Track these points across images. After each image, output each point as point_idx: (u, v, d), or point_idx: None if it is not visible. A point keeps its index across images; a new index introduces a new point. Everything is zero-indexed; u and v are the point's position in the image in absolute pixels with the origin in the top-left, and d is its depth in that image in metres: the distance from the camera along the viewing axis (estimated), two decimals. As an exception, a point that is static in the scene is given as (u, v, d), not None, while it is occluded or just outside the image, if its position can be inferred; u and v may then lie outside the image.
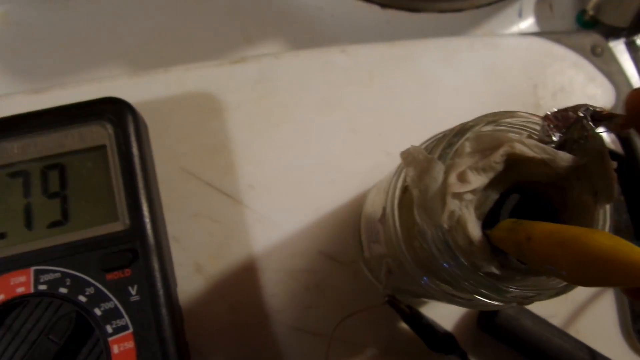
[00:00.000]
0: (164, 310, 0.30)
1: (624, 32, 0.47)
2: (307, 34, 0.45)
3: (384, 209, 0.26)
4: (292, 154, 0.37)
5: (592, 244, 0.16)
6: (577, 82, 0.41)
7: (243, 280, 0.35)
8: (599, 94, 0.41)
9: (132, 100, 0.34)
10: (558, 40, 0.41)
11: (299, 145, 0.38)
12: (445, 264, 0.21)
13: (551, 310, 0.37)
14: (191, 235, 0.35)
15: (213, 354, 0.34)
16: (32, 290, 0.29)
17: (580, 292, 0.37)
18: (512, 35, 0.43)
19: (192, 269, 0.35)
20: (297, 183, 0.37)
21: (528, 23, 0.48)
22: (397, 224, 0.24)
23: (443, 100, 0.39)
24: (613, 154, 0.40)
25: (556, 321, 0.36)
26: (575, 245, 0.17)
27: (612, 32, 0.46)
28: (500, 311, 0.33)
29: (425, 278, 0.24)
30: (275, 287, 0.35)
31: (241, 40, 0.44)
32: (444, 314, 0.35)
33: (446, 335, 0.34)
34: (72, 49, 0.44)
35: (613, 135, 0.41)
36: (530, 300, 0.21)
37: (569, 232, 0.17)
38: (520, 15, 0.47)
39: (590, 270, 0.16)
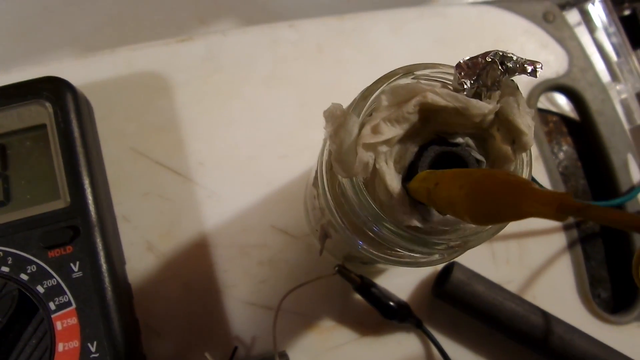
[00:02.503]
0: (106, 286, 0.30)
1: (579, 1, 0.46)
2: (260, 12, 0.45)
3: (316, 172, 0.26)
4: (242, 130, 0.37)
5: (486, 180, 0.16)
6: (529, 49, 0.41)
7: (195, 257, 0.35)
8: (551, 60, 0.41)
9: (79, 82, 0.33)
10: (509, 8, 0.41)
11: (249, 121, 0.37)
12: (369, 222, 0.21)
13: (507, 276, 0.36)
14: (142, 214, 0.35)
15: (166, 331, 0.34)
16: (-27, 270, 0.29)
17: (536, 258, 0.37)
18: (462, 4, 0.43)
19: (144, 248, 0.35)
20: (247, 159, 0.37)
21: (482, -6, 0.47)
22: (327, 185, 0.24)
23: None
24: (569, 120, 0.40)
25: (512, 287, 0.36)
26: (472, 182, 0.16)
27: (567, 2, 0.46)
28: (451, 277, 0.33)
29: (360, 242, 0.24)
30: (227, 263, 0.35)
31: (194, 21, 0.44)
32: (399, 284, 0.35)
33: (399, 304, 0.34)
34: (23, 37, 0.43)
35: (570, 102, 0.41)
36: (453, 251, 0.21)
37: (468, 173, 0.17)
38: (474, -14, 0.47)
39: (486, 205, 0.16)
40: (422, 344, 0.35)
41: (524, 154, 0.21)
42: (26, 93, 0.32)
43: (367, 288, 0.33)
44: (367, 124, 0.20)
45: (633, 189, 0.39)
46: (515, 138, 0.21)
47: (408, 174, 0.21)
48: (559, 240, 0.38)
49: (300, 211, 0.36)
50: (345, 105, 0.22)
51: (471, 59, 0.20)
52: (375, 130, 0.20)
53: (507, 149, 0.21)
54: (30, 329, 0.29)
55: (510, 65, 0.20)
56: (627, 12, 0.45)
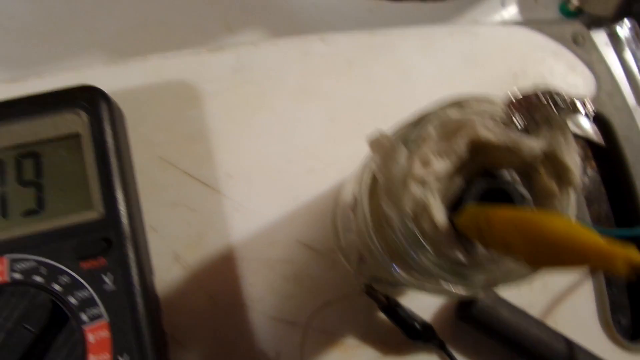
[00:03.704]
0: (139, 300, 0.30)
1: (607, 21, 0.46)
2: (289, 22, 0.45)
3: (355, 197, 0.26)
4: (271, 143, 0.37)
5: (546, 227, 0.16)
6: (558, 71, 0.41)
7: (221, 269, 0.35)
8: (579, 82, 0.41)
9: (110, 89, 0.33)
10: (539, 29, 0.41)
11: (277, 133, 0.37)
12: (410, 251, 0.21)
13: (529, 300, 0.37)
14: (169, 225, 0.35)
15: (191, 343, 0.34)
16: (7, 279, 0.29)
17: (559, 283, 0.37)
18: (493, 24, 0.43)
19: (171, 259, 0.35)
20: (275, 172, 0.37)
21: (511, 12, 0.48)
22: (367, 211, 0.24)
23: (422, 89, 0.39)
24: (594, 145, 0.40)
25: (534, 311, 0.36)
26: (531, 228, 0.17)
27: (595, 22, 0.46)
28: (477, 301, 0.33)
29: (395, 266, 0.24)
30: (253, 276, 0.35)
31: (222, 28, 0.44)
32: (423, 305, 0.35)
33: (424, 326, 0.34)
34: (50, 38, 0.43)
35: (594, 126, 0.41)
36: (495, 286, 0.21)
37: (525, 216, 0.17)
38: (503, 5, 0.47)
39: (545, 252, 0.16)
40: (444, 364, 0.35)
41: (570, 190, 0.21)
42: (62, 101, 0.32)
43: (392, 308, 0.33)
44: (416, 156, 0.21)
45: (657, 215, 0.39)
46: (562, 175, 0.21)
47: (453, 207, 0.22)
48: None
49: (326, 227, 0.36)
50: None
51: (524, 96, 0.20)
52: (426, 164, 0.20)
53: (553, 184, 0.21)
54: (61, 339, 0.29)
55: (561, 104, 0.20)
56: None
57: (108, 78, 0.37)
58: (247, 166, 0.37)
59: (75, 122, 0.32)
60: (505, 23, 0.42)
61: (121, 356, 0.29)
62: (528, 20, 0.42)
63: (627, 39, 0.44)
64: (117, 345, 0.29)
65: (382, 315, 0.35)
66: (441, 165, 0.20)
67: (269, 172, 0.37)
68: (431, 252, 0.21)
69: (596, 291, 0.37)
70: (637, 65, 0.43)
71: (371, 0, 0.45)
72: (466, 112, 0.21)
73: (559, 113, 0.20)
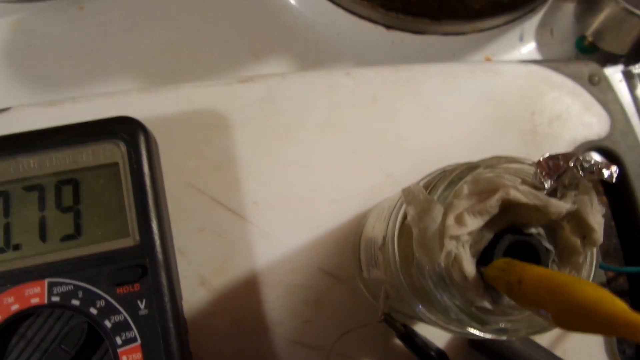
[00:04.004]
0: (170, 324, 0.31)
1: (622, 59, 0.48)
2: (313, 51, 0.46)
3: (384, 238, 0.27)
4: (296, 173, 0.39)
5: (578, 294, 0.17)
6: (574, 110, 0.43)
7: (245, 293, 0.37)
8: (594, 122, 0.43)
9: (142, 116, 0.35)
10: (556, 69, 0.43)
11: (302, 164, 0.39)
12: (439, 296, 0.23)
13: (540, 330, 0.38)
14: (196, 249, 0.37)
15: (216, 365, 0.35)
16: (45, 301, 0.31)
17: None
18: (512, 62, 0.44)
19: (197, 282, 0.36)
20: (299, 201, 0.38)
21: (529, 48, 0.49)
22: (396, 254, 0.25)
23: (443, 124, 0.41)
24: (604, 181, 0.41)
25: (543, 341, 0.38)
26: (562, 293, 0.18)
27: (610, 59, 0.48)
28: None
29: (420, 306, 0.26)
30: (276, 301, 0.37)
31: (248, 56, 0.45)
32: (437, 333, 0.36)
33: (439, 353, 0.35)
34: (83, 59, 0.45)
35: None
36: (518, 334, 0.23)
37: (557, 279, 0.19)
38: (522, 40, 0.49)
39: (575, 318, 0.17)
40: (458, 393, 0.37)
41: (594, 250, 0.22)
42: (102, 132, 0.33)
43: (410, 337, 0.35)
44: (449, 214, 0.22)
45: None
46: (586, 233, 0.22)
47: (481, 258, 0.23)
48: None
49: (346, 255, 0.38)
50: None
51: (552, 159, 0.22)
52: (460, 222, 0.22)
53: (577, 241, 0.23)
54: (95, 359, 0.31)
55: (589, 169, 0.22)
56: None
57: (141, 105, 0.38)
58: (272, 195, 0.38)
59: (114, 152, 0.34)
60: (524, 61, 0.44)
61: (153, 379, 0.30)
62: (544, 59, 0.43)
63: (640, 77, 0.45)
64: (150, 368, 0.31)
65: (399, 343, 0.36)
66: (475, 224, 0.22)
67: (293, 201, 0.38)
68: (459, 300, 0.22)
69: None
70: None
71: (393, 33, 0.46)
72: (497, 171, 0.23)
73: (585, 176, 0.22)
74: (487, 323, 0.22)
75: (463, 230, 0.21)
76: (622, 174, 0.42)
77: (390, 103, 0.41)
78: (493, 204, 0.22)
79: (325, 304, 0.37)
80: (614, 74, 0.45)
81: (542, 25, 0.50)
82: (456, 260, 0.22)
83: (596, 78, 0.43)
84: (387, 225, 0.27)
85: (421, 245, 0.22)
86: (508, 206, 0.22)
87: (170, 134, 0.38)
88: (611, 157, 0.42)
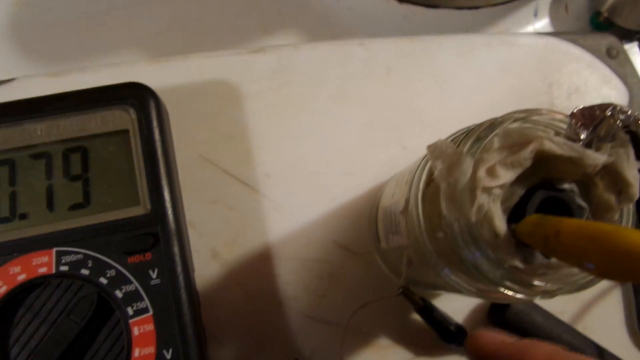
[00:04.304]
0: (183, 294, 0.30)
1: (637, 35, 0.47)
2: (323, 26, 0.45)
3: (407, 201, 0.26)
4: (309, 144, 0.38)
5: (623, 239, 0.17)
6: (592, 83, 0.42)
7: (258, 267, 0.36)
8: (612, 95, 0.42)
9: (151, 86, 0.34)
10: (574, 41, 0.42)
11: (316, 135, 0.38)
12: (470, 256, 0.22)
13: (560, 306, 0.37)
14: (208, 222, 0.36)
15: (228, 339, 0.34)
16: (53, 270, 0.30)
17: (588, 290, 0.38)
18: (529, 34, 0.43)
19: (209, 255, 0.35)
20: (313, 173, 0.37)
21: (543, 23, 0.48)
22: (421, 215, 0.25)
23: (459, 96, 0.40)
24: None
25: (565, 317, 0.37)
26: (606, 240, 0.17)
27: (626, 35, 0.47)
28: (511, 306, 0.34)
29: (446, 269, 0.25)
30: (289, 275, 0.36)
31: (258, 29, 0.44)
32: (455, 308, 0.36)
33: (457, 328, 0.34)
34: (89, 33, 0.44)
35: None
36: (553, 294, 0.22)
37: (599, 228, 0.18)
38: (536, 15, 0.48)
39: (620, 265, 0.16)
40: (476, 368, 0.36)
41: (630, 206, 0.22)
42: (111, 98, 0.32)
43: (428, 310, 0.34)
44: (481, 166, 0.21)
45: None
46: (622, 189, 0.21)
47: (513, 215, 0.22)
48: (616, 296, 0.38)
49: (362, 229, 0.37)
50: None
51: (587, 109, 0.21)
52: (492, 174, 0.21)
53: (611, 198, 0.22)
54: (106, 330, 0.30)
55: (624, 119, 0.21)
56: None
57: (150, 75, 0.37)
58: (285, 167, 0.37)
59: (123, 118, 0.33)
60: (539, 33, 0.43)
61: (166, 350, 0.30)
62: (561, 32, 0.42)
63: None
64: (162, 339, 0.30)
65: (415, 317, 0.35)
66: (508, 176, 0.21)
67: (306, 174, 0.37)
68: (491, 257, 0.21)
69: (624, 299, 0.38)
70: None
71: (406, 6, 0.45)
72: (528, 124, 0.22)
73: (623, 127, 0.21)
74: (520, 283, 0.21)
75: (496, 182, 0.21)
76: (641, 148, 0.41)
77: (405, 74, 0.40)
78: (526, 155, 0.21)
79: (341, 279, 0.36)
80: (631, 48, 0.45)
81: (556, 1, 0.49)
82: (487, 217, 0.21)
83: (614, 51, 0.42)
84: (410, 187, 0.26)
85: (450, 200, 0.21)
86: (541, 160, 0.21)
87: (180, 104, 0.37)
88: (629, 131, 0.41)
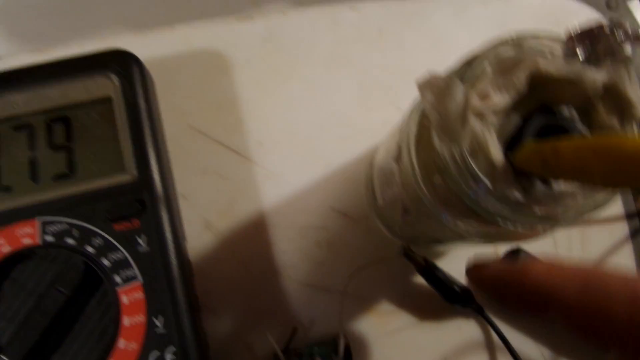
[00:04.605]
0: (173, 261, 0.29)
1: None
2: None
3: (399, 146, 0.25)
4: (301, 111, 0.37)
5: (628, 144, 0.15)
6: (591, 38, 0.40)
7: (253, 236, 0.35)
8: (613, 49, 0.40)
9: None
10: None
11: (308, 101, 0.37)
12: (467, 191, 0.20)
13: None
14: (200, 193, 0.35)
15: (224, 310, 0.33)
16: (39, 241, 0.29)
17: (598, 247, 0.36)
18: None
19: (202, 226, 0.34)
20: (306, 139, 0.36)
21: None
22: (414, 159, 0.23)
23: (454, 56, 0.38)
24: None
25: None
26: (609, 148, 0.16)
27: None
28: (520, 257, 0.33)
29: (445, 215, 0.23)
30: (286, 244, 0.35)
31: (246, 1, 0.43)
32: (459, 269, 0.34)
33: (462, 289, 0.33)
34: (74, 12, 0.43)
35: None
36: (554, 224, 0.20)
37: (600, 140, 0.17)
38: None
39: (625, 171, 0.15)
40: (482, 330, 0.34)
41: (633, 127, 0.20)
42: (93, 65, 0.31)
43: (431, 270, 0.32)
44: (473, 91, 0.20)
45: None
46: (624, 109, 0.20)
47: (509, 145, 0.21)
48: (621, 229, 0.37)
49: (359, 194, 0.36)
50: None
51: (584, 28, 0.20)
52: (484, 97, 0.19)
53: (613, 121, 0.20)
54: (95, 301, 0.29)
55: (625, 36, 0.19)
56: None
57: (136, 47, 0.36)
58: (278, 134, 0.36)
59: (107, 85, 0.32)
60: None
61: (156, 318, 0.28)
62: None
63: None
64: (152, 306, 0.29)
65: (418, 280, 0.34)
66: (500, 99, 0.19)
67: (300, 140, 0.36)
68: (489, 187, 0.20)
69: (636, 255, 0.37)
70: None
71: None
72: (523, 49, 0.21)
73: (622, 45, 0.19)
74: (521, 212, 0.20)
75: (488, 106, 0.19)
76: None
77: (398, 35, 0.38)
78: (521, 77, 0.19)
79: (339, 245, 0.35)
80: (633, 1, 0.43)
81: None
82: (482, 147, 0.20)
83: (614, 2, 0.40)
84: (402, 132, 0.25)
85: (442, 130, 0.20)
86: (537, 84, 0.20)
87: (168, 75, 0.36)
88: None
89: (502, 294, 0.21)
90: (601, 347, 0.18)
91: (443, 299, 0.33)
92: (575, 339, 0.18)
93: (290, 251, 0.34)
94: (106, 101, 0.31)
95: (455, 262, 0.34)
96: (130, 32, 0.37)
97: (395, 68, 0.38)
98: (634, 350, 0.16)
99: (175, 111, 0.36)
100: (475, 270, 0.22)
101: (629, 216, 0.37)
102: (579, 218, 0.20)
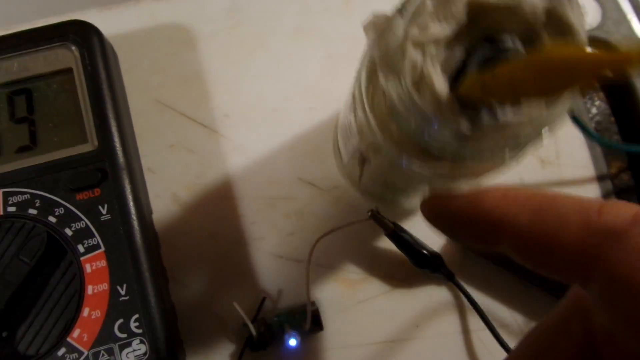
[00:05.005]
0: (136, 230, 0.29)
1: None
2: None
3: (353, 95, 0.25)
4: (268, 82, 0.36)
5: (553, 52, 0.15)
6: (560, 3, 0.40)
7: (222, 209, 0.34)
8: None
9: (104, 33, 0.33)
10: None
11: (275, 73, 0.37)
12: (414, 128, 0.20)
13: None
14: (167, 166, 0.35)
15: (193, 282, 0.33)
16: (0, 212, 0.28)
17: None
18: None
19: (170, 200, 0.34)
20: (274, 111, 0.36)
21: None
22: (367, 104, 0.23)
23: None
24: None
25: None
26: (538, 59, 0.16)
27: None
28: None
29: (404, 160, 0.23)
30: (255, 215, 0.34)
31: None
32: (431, 236, 0.34)
33: (432, 253, 0.33)
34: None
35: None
36: (503, 156, 0.20)
37: (529, 56, 0.16)
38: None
39: (554, 75, 0.15)
40: (454, 297, 0.34)
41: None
42: (52, 36, 0.31)
43: (400, 235, 0.32)
44: (413, 23, 0.20)
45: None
46: (566, 35, 0.20)
47: (455, 79, 0.21)
48: (593, 191, 0.37)
49: (327, 163, 0.35)
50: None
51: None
52: (423, 27, 0.19)
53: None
54: (59, 271, 0.28)
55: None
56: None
57: (101, 22, 0.36)
58: (244, 106, 0.36)
59: (67, 56, 0.31)
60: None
61: (120, 286, 0.28)
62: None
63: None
64: (115, 275, 0.28)
65: (388, 247, 0.33)
66: (439, 29, 0.19)
67: (267, 111, 0.36)
68: (437, 122, 0.19)
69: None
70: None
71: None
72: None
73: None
74: (469, 147, 0.20)
75: (427, 36, 0.19)
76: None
77: (364, 5, 0.38)
78: (459, 6, 0.19)
79: (308, 215, 0.35)
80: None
81: None
82: (426, 81, 0.20)
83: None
84: (355, 81, 0.25)
85: (385, 65, 0.20)
86: (478, 14, 0.20)
87: (133, 50, 0.36)
88: (605, 46, 0.39)
89: (455, 228, 0.20)
90: (554, 274, 0.17)
91: (413, 264, 0.32)
92: (531, 268, 0.18)
93: (259, 222, 0.34)
94: (66, 72, 0.31)
95: (425, 227, 0.34)
96: (96, 9, 0.37)
97: (361, 37, 0.37)
98: (583, 278, 0.16)
99: (141, 86, 0.36)
100: (428, 204, 0.21)
101: (600, 178, 0.37)
102: (525, 148, 0.20)
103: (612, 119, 0.40)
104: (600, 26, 0.40)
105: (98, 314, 0.28)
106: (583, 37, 0.19)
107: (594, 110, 0.39)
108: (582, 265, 0.15)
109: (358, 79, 0.24)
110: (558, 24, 0.20)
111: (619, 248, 0.14)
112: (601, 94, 0.40)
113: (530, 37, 0.20)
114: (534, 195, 0.17)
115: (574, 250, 0.15)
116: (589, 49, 0.15)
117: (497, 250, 0.19)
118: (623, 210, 0.15)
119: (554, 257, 0.16)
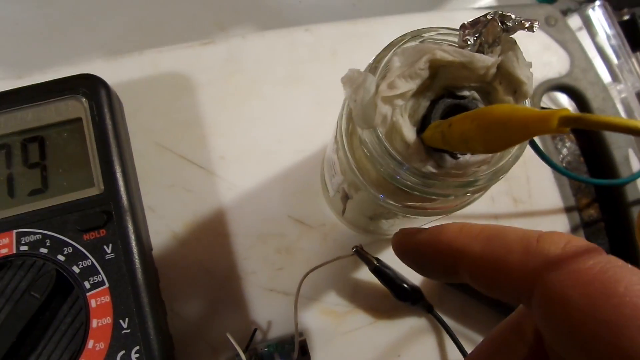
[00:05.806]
0: (137, 267, 0.31)
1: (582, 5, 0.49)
2: (277, 19, 0.48)
3: (335, 138, 0.27)
4: (261, 126, 0.39)
5: (494, 111, 0.18)
6: (533, 51, 0.43)
7: (217, 245, 0.37)
8: (554, 61, 0.43)
9: (109, 82, 0.36)
10: (512, 13, 0.43)
11: (267, 118, 0.40)
12: (388, 170, 0.23)
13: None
14: (167, 205, 0.37)
15: (190, 315, 0.35)
16: (14, 250, 0.31)
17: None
18: (467, 8, 0.45)
19: (169, 237, 0.36)
20: (266, 153, 0.39)
21: (488, 1, 0.50)
22: (347, 148, 0.26)
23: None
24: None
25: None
26: (483, 115, 0.18)
27: (570, 11, 0.49)
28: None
29: (382, 196, 0.26)
30: (247, 251, 0.37)
31: (214, 28, 0.47)
32: (412, 271, 0.36)
33: (412, 287, 0.35)
34: (52, 41, 0.46)
35: (572, 101, 0.42)
36: (464, 192, 0.23)
37: (477, 110, 0.19)
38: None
39: (496, 133, 0.18)
40: (434, 329, 0.36)
41: (525, 102, 0.23)
42: (64, 89, 0.34)
43: (382, 270, 0.34)
44: (382, 81, 0.22)
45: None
46: (516, 88, 0.22)
47: (422, 126, 0.23)
48: (562, 225, 0.39)
49: (315, 202, 0.38)
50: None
51: (474, 19, 0.22)
52: (391, 86, 0.22)
53: (510, 99, 0.23)
54: (66, 306, 0.31)
55: (509, 24, 0.22)
56: (626, 17, 0.47)
57: (107, 72, 0.39)
58: (239, 149, 0.39)
59: (76, 107, 0.34)
60: (479, 8, 0.45)
61: (122, 320, 0.30)
62: (501, 5, 0.44)
63: (599, 21, 0.46)
64: (118, 309, 0.30)
65: (371, 282, 0.36)
66: (406, 86, 0.22)
67: (260, 154, 0.39)
68: (403, 163, 0.22)
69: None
70: (610, 45, 0.45)
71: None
72: (426, 41, 0.23)
73: (508, 32, 0.22)
74: (436, 186, 0.22)
75: (395, 92, 0.22)
76: (586, 109, 0.42)
77: (350, 55, 0.41)
78: (422, 65, 0.22)
79: (297, 251, 0.37)
80: (574, 21, 0.46)
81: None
82: (396, 129, 0.23)
83: (553, 20, 0.44)
84: (337, 126, 0.27)
85: (359, 117, 0.22)
86: (439, 70, 0.23)
87: (136, 97, 0.39)
88: (573, 93, 0.42)
89: (420, 261, 0.23)
90: (505, 297, 0.19)
91: (395, 297, 0.35)
92: (485, 292, 0.20)
93: (251, 258, 0.36)
94: (76, 121, 0.34)
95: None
96: (102, 58, 0.40)
97: (346, 85, 0.40)
98: (526, 298, 0.18)
99: (143, 130, 0.38)
100: (396, 239, 0.24)
101: (568, 210, 0.39)
102: (485, 186, 0.22)
103: (582, 159, 0.42)
104: (568, 74, 0.43)
105: (102, 345, 0.30)
106: (529, 88, 0.22)
107: (564, 151, 0.42)
108: (525, 287, 0.18)
109: (339, 124, 0.27)
110: (508, 77, 0.22)
111: (553, 270, 0.17)
112: (572, 136, 0.43)
113: (487, 90, 0.23)
114: (485, 228, 0.20)
115: (517, 274, 0.18)
116: (528, 106, 0.17)
117: (459, 281, 0.21)
118: (557, 238, 0.17)
119: (502, 280, 0.19)
